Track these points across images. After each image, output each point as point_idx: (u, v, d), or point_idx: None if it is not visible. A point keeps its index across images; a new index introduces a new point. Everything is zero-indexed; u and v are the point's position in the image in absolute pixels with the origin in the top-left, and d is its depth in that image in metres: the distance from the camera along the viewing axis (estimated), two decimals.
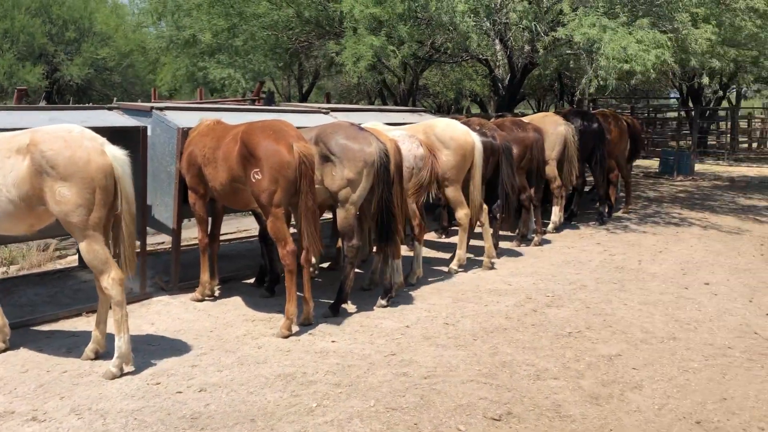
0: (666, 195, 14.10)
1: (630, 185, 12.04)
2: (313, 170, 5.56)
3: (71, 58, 30.27)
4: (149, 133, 6.71)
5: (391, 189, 6.09)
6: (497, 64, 15.07)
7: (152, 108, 6.79)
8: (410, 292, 6.84)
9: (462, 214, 7.55)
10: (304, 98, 25.85)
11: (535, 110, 31.34)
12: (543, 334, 5.69)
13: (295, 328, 5.70)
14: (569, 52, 11.93)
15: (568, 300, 6.62)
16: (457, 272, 7.63)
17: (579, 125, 10.24)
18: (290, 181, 5.48)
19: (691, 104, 24.98)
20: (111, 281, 4.65)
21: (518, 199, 9.11)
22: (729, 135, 24.79)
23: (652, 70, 9.55)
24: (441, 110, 30.42)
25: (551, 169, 9.81)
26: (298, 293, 5.66)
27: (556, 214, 10.04)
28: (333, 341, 5.47)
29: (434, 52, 13.69)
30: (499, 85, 15.07)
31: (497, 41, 13.33)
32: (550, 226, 10.03)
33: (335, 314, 6.09)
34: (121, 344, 4.69)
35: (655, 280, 7.42)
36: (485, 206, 7.79)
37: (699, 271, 7.91)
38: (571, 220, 10.78)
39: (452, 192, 7.50)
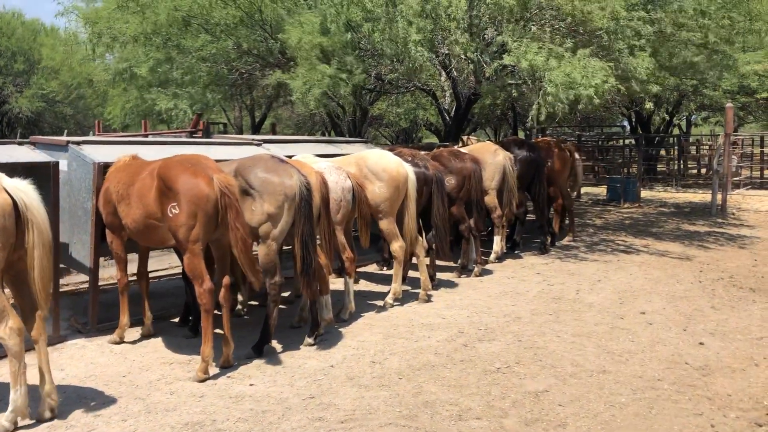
0: (612, 222, 14.19)
1: (573, 213, 12.05)
2: (238, 201, 5.36)
3: (20, 90, 29.66)
4: (65, 168, 6.45)
5: (313, 223, 5.90)
6: (444, 94, 15.13)
7: (68, 142, 6.53)
8: (340, 329, 6.63)
9: (396, 246, 7.40)
10: (256, 129, 25.65)
11: (493, 139, 31.62)
12: (471, 370, 5.52)
13: (214, 371, 5.44)
14: (512, 82, 12.00)
15: (501, 333, 6.48)
16: (392, 306, 7.45)
17: (518, 154, 10.24)
18: (209, 216, 5.28)
19: (640, 131, 25.45)
20: (8, 331, 4.33)
21: (457, 230, 9.02)
22: (677, 162, 25.22)
23: (596, 97, 9.59)
24: (398, 140, 30.48)
25: (491, 199, 9.76)
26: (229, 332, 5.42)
27: (498, 243, 9.97)
28: (251, 384, 5.22)
29: (379, 83, 13.64)
30: (446, 115, 15.11)
31: (442, 72, 13.37)
32: (492, 256, 9.95)
33: (259, 355, 5.84)
34: (16, 397, 4.37)
35: (591, 311, 7.34)
36: (419, 238, 7.66)
37: (636, 299, 7.87)
38: (514, 249, 10.72)
39: (386, 224, 7.35)
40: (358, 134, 18.88)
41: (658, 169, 26.78)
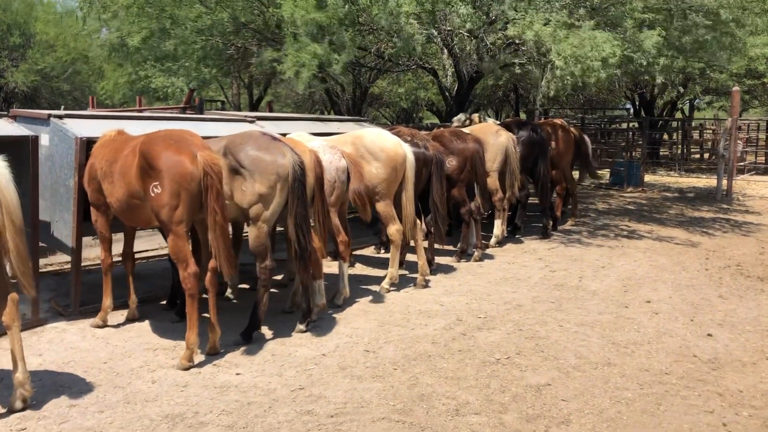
0: (615, 207, 13.89)
1: (576, 197, 11.75)
2: (221, 182, 5.06)
3: (16, 64, 29.19)
4: (47, 143, 6.14)
5: (307, 205, 5.61)
6: (445, 72, 14.74)
7: (50, 116, 6.21)
8: (334, 315, 6.36)
9: (393, 229, 7.11)
10: (254, 107, 25.24)
11: (496, 120, 31.16)
12: (469, 361, 5.25)
13: (200, 358, 5.19)
14: (516, 61, 11.63)
15: (501, 322, 6.21)
16: (388, 292, 7.18)
17: (522, 136, 9.92)
18: (193, 195, 4.98)
19: (644, 115, 25.06)
20: None
21: (458, 213, 8.74)
22: (680, 146, 24.87)
23: (603, 71, 9.22)
24: (399, 120, 30.09)
25: (492, 181, 9.46)
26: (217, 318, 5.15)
27: (498, 227, 9.69)
28: (238, 373, 4.95)
29: (379, 60, 13.27)
30: (447, 94, 14.73)
31: (444, 49, 13.00)
32: (492, 240, 9.67)
33: (247, 341, 5.58)
34: None
35: (595, 299, 7.07)
36: (418, 221, 7.37)
37: (641, 288, 7.60)
38: (515, 233, 10.44)
39: (383, 206, 7.05)
40: (358, 113, 18.52)
41: (661, 154, 26.45)
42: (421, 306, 6.69)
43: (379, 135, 7.08)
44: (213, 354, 5.28)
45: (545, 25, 8.65)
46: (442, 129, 9.31)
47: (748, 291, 7.65)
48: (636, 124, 26.08)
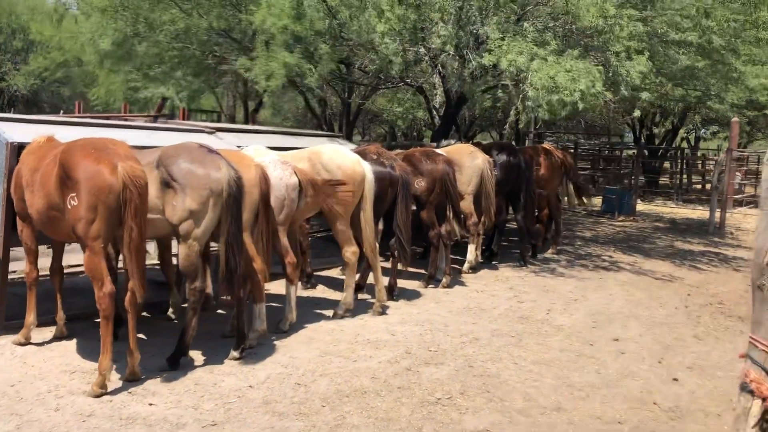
0: (602, 236, 13.47)
1: (559, 225, 11.36)
2: (143, 196, 4.70)
3: (18, 68, 29.12)
4: None
5: (241, 224, 5.24)
6: (433, 92, 14.44)
7: None
8: (276, 342, 5.96)
9: (350, 252, 6.74)
10: (249, 119, 24.96)
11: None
12: (406, 400, 4.85)
13: (116, 384, 4.80)
14: (494, 84, 11.33)
15: (452, 357, 5.80)
16: (342, 318, 6.78)
17: (499, 159, 9.55)
18: (112, 209, 4.62)
19: (643, 142, 24.68)
20: None
21: (426, 237, 8.36)
22: (679, 176, 24.47)
23: (582, 103, 8.91)
24: (395, 138, 29.83)
25: (467, 205, 9.10)
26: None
27: (472, 253, 9.30)
28: (151, 404, 4.56)
29: (365, 75, 12.98)
30: (435, 113, 14.42)
31: (431, 68, 12.70)
32: (466, 266, 9.27)
33: (173, 367, 5.18)
34: None
35: (559, 334, 6.66)
36: (376, 245, 6.99)
37: (611, 324, 7.18)
38: (491, 260, 10.03)
39: (339, 226, 6.68)
40: (350, 129, 18.20)
41: (660, 182, 26.04)
42: (372, 335, 6.28)
43: (337, 152, 6.72)
44: (132, 380, 4.89)
45: (520, 54, 8.33)
46: (414, 149, 8.95)
47: (726, 332, 7.24)
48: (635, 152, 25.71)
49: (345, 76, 14.03)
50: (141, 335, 4.93)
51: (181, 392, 4.78)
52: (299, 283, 6.89)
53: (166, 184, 5.11)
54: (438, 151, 8.64)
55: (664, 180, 27.06)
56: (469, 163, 9.10)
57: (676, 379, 5.62)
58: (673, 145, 26.42)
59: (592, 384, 5.39)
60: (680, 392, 5.36)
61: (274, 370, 5.30)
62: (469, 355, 5.84)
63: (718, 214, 14.90)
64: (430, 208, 8.22)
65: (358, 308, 7.08)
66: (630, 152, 27.19)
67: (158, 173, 5.11)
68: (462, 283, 8.67)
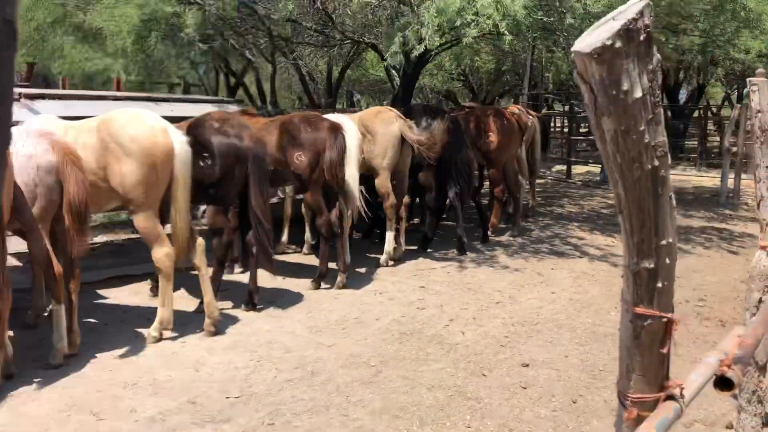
0: (585, 211, 11.42)
1: (519, 202, 9.39)
2: None
3: None
4: None
5: None
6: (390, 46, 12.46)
7: None
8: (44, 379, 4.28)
9: (161, 254, 4.99)
10: (232, 91, 23.27)
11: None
12: None
13: None
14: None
15: (256, 407, 3.99)
16: (156, 340, 5.06)
17: (424, 124, 7.66)
18: None
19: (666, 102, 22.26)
20: None
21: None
22: (698, 140, 21.97)
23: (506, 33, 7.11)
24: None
25: (382, 182, 7.30)
26: None
27: (390, 242, 7.47)
28: None
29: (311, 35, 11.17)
30: (394, 74, 12.47)
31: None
32: (383, 258, 7.46)
33: None
34: None
35: (444, 360, 4.82)
36: (201, 241, 5.24)
37: (533, 337, 5.32)
38: (425, 247, 8.18)
39: (142, 221, 4.94)
40: (335, 100, 16.36)
41: (686, 147, 23.57)
42: (171, 371, 4.53)
43: (133, 119, 4.91)
44: None
45: None
46: (292, 114, 7.12)
47: (693, 344, 5.35)
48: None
49: (290, 39, 12.21)
50: None
51: None
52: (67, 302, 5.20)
53: None
54: (326, 116, 6.79)
55: (692, 144, 24.54)
56: (383, 129, 7.28)
57: None
58: (689, 105, 23.86)
59: None
60: None
61: None
62: (280, 406, 4.02)
63: (731, 181, 12.66)
64: (315, 189, 6.43)
65: (195, 323, 5.36)
66: None
67: None
68: (369, 280, 6.88)
